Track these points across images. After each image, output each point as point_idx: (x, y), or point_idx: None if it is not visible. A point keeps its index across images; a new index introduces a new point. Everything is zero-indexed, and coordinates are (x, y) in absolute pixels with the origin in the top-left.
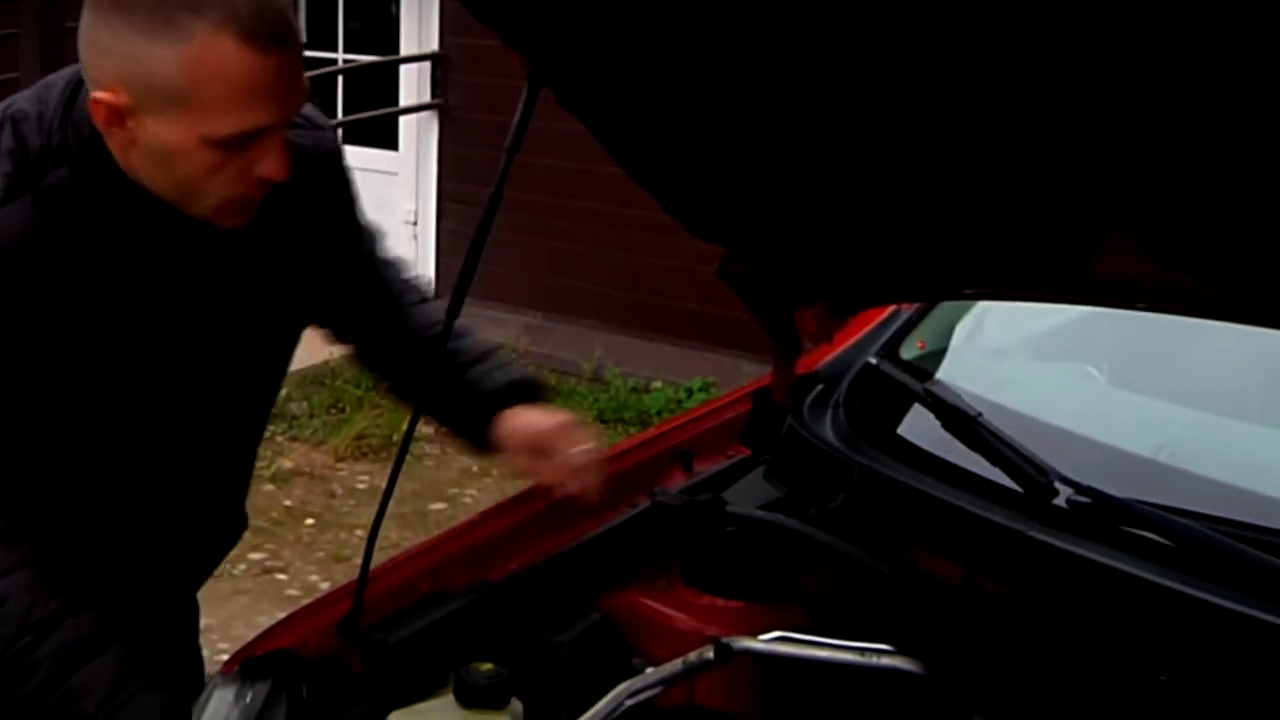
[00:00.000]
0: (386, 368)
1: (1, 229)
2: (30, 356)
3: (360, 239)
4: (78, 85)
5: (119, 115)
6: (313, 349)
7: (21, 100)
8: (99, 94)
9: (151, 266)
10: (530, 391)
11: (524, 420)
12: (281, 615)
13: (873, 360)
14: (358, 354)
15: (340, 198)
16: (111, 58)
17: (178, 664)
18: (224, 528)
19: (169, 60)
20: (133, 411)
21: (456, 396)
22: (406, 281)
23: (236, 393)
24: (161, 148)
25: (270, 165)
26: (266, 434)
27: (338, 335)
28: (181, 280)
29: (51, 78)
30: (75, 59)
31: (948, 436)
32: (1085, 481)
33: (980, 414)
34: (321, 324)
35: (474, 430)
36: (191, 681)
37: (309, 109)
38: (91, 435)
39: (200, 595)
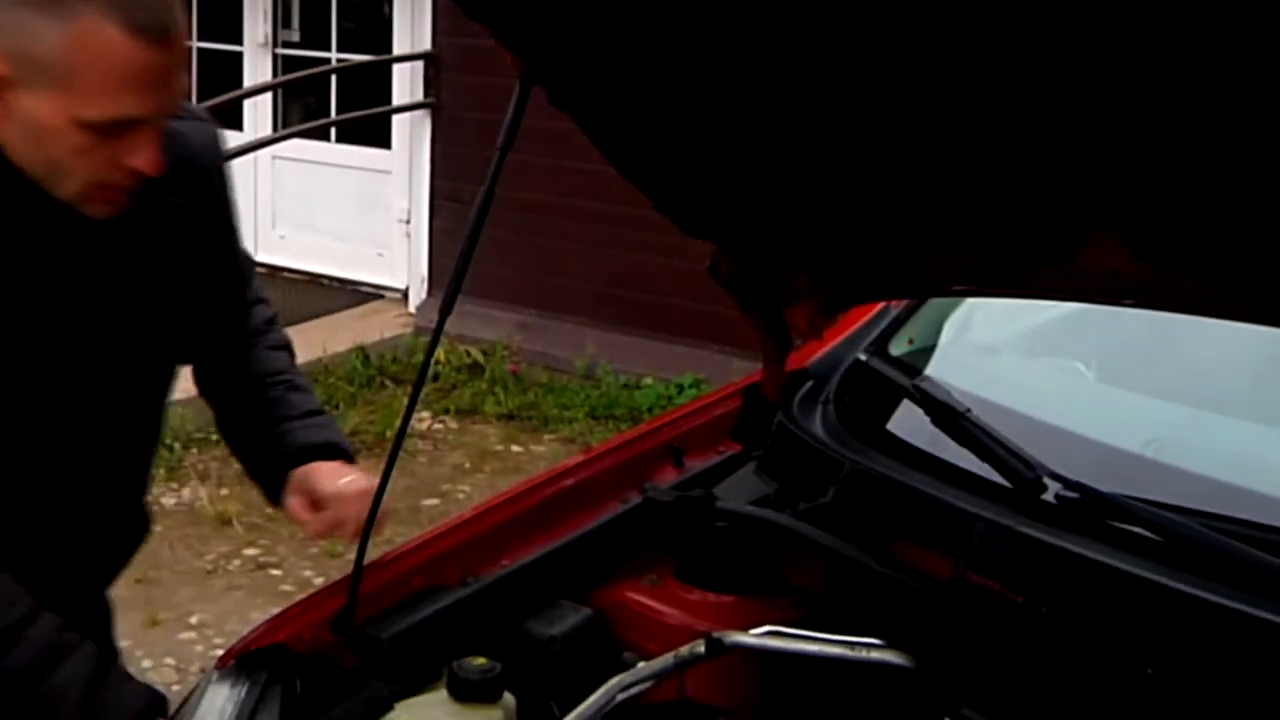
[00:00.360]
0: (218, 401)
1: None
2: None
3: (234, 239)
4: None
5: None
6: (306, 347)
7: None
8: None
9: (30, 254)
10: (334, 453)
11: (312, 474)
12: (275, 610)
13: (862, 357)
14: (195, 378)
15: (218, 190)
16: None
17: None
18: (124, 529)
19: (52, 38)
20: (15, 409)
21: (263, 445)
22: (269, 322)
23: (120, 392)
24: (34, 124)
25: (141, 158)
26: None
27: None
28: (61, 270)
29: None
30: None
31: (937, 432)
32: (1073, 477)
33: (969, 410)
34: (187, 339)
35: (269, 480)
36: None
37: (192, 105)
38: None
39: (195, 591)
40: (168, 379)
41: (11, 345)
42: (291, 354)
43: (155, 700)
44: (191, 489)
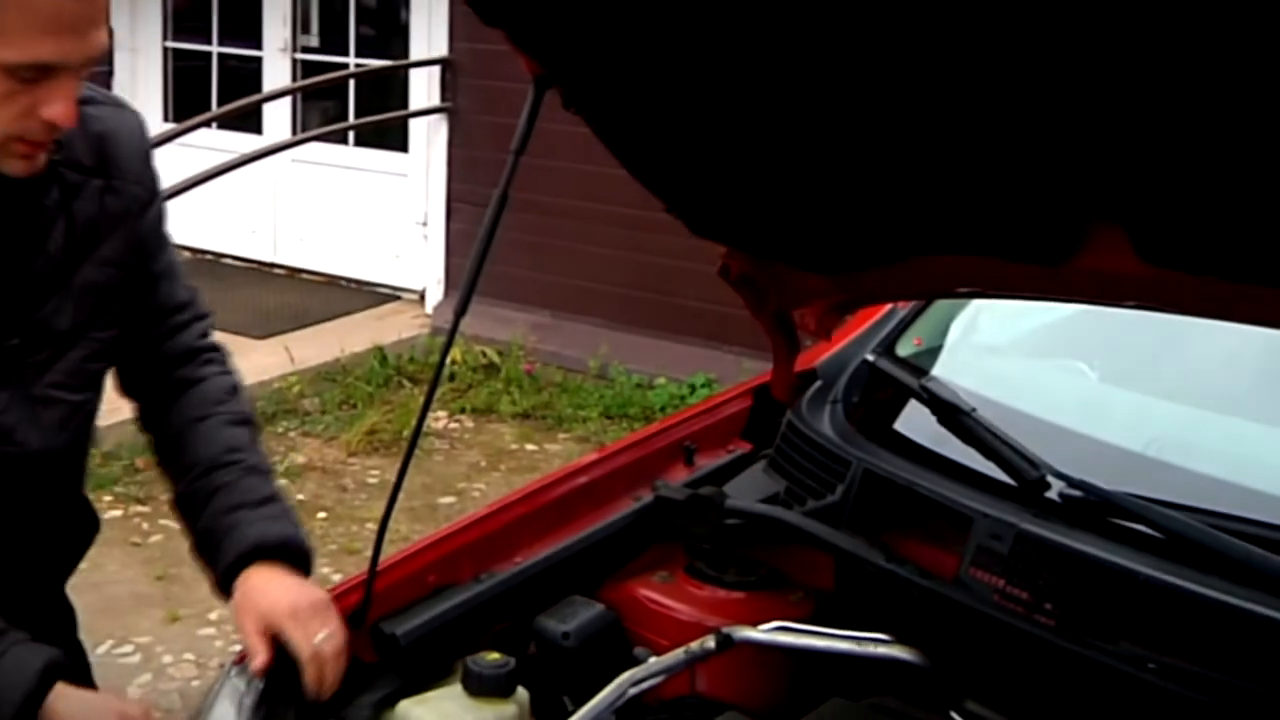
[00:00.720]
0: (171, 471)
1: None
2: None
3: (156, 228)
4: None
5: None
6: (324, 347)
7: None
8: None
9: None
10: (291, 553)
11: (266, 586)
12: None
13: (870, 357)
14: (153, 450)
15: (137, 173)
16: None
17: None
18: (67, 526)
19: None
20: None
21: (214, 530)
22: (231, 392)
23: (42, 376)
24: None
25: (57, 108)
26: (279, 429)
27: (126, 388)
28: None
29: None
30: None
31: (943, 431)
32: (1077, 475)
33: (975, 409)
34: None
35: (217, 569)
36: (79, 677)
37: (113, 94)
38: None
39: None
40: (94, 366)
41: None
42: (254, 427)
43: (54, 659)
44: None
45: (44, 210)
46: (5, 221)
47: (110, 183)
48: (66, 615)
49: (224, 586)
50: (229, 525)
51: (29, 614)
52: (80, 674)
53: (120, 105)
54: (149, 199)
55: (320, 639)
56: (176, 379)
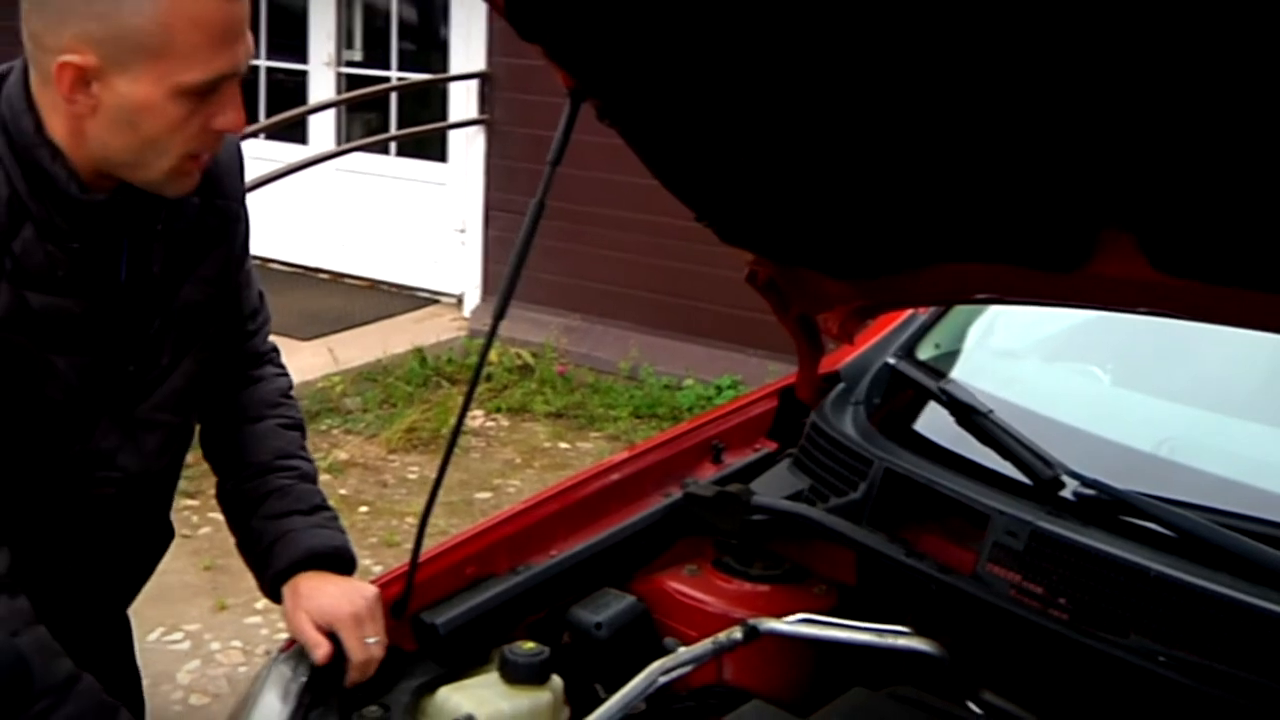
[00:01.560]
0: (223, 468)
1: None
2: None
3: (245, 242)
4: None
5: (84, 80)
6: (367, 348)
7: None
8: (66, 57)
9: (80, 257)
10: (339, 562)
11: (327, 595)
12: None
13: (891, 360)
14: (200, 436)
15: (235, 191)
16: (74, 19)
17: (117, 683)
18: (150, 543)
19: (146, 12)
20: (61, 426)
21: (265, 536)
22: (286, 395)
23: (149, 395)
24: (129, 106)
25: (230, 117)
26: (323, 427)
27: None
28: (110, 271)
29: None
30: None
31: (961, 432)
32: (1090, 475)
33: (992, 411)
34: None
35: (266, 572)
36: (132, 700)
37: None
38: (23, 457)
39: None
40: (196, 384)
41: (50, 350)
42: (303, 432)
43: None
44: None
45: (153, 233)
46: (117, 246)
47: (211, 200)
48: (125, 633)
49: (274, 587)
50: (282, 530)
51: (97, 628)
52: (135, 697)
53: None
54: (241, 214)
55: (372, 642)
56: (236, 378)
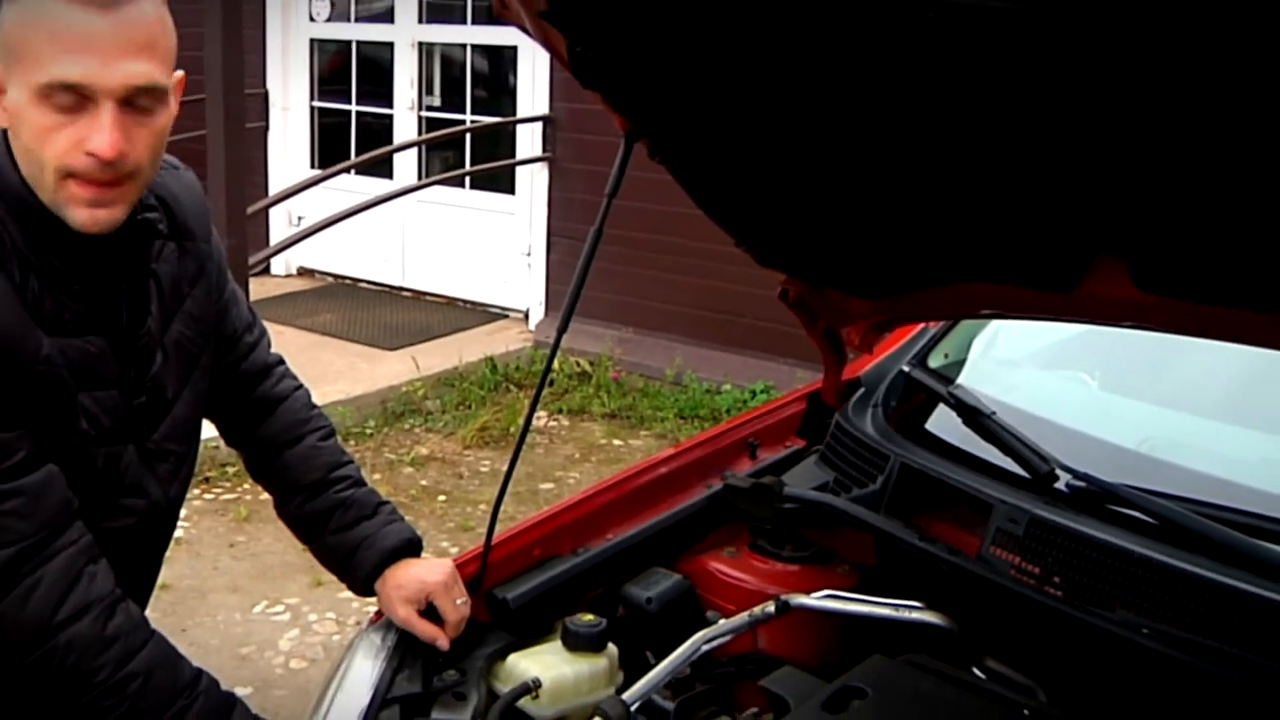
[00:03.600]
0: (279, 489)
1: None
2: (34, 406)
3: (224, 274)
4: None
5: (2, 90)
6: (445, 357)
7: None
8: None
9: (84, 299)
10: (414, 549)
11: (413, 575)
12: None
13: (906, 368)
14: (246, 464)
15: (201, 229)
16: None
17: None
18: (153, 575)
19: (10, 16)
20: (91, 461)
21: (344, 545)
22: (310, 407)
23: (167, 431)
24: (15, 114)
25: (97, 139)
26: (406, 426)
27: (226, 434)
28: (112, 310)
29: None
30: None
31: (968, 431)
32: (1081, 469)
33: (994, 413)
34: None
35: (358, 578)
36: None
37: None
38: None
39: None
40: (199, 413)
41: (78, 388)
42: (334, 433)
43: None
44: None
45: (150, 273)
46: (115, 288)
47: (183, 244)
48: None
49: (366, 588)
50: (358, 539)
51: None
52: None
53: (175, 166)
54: (212, 251)
55: (461, 603)
56: (258, 397)
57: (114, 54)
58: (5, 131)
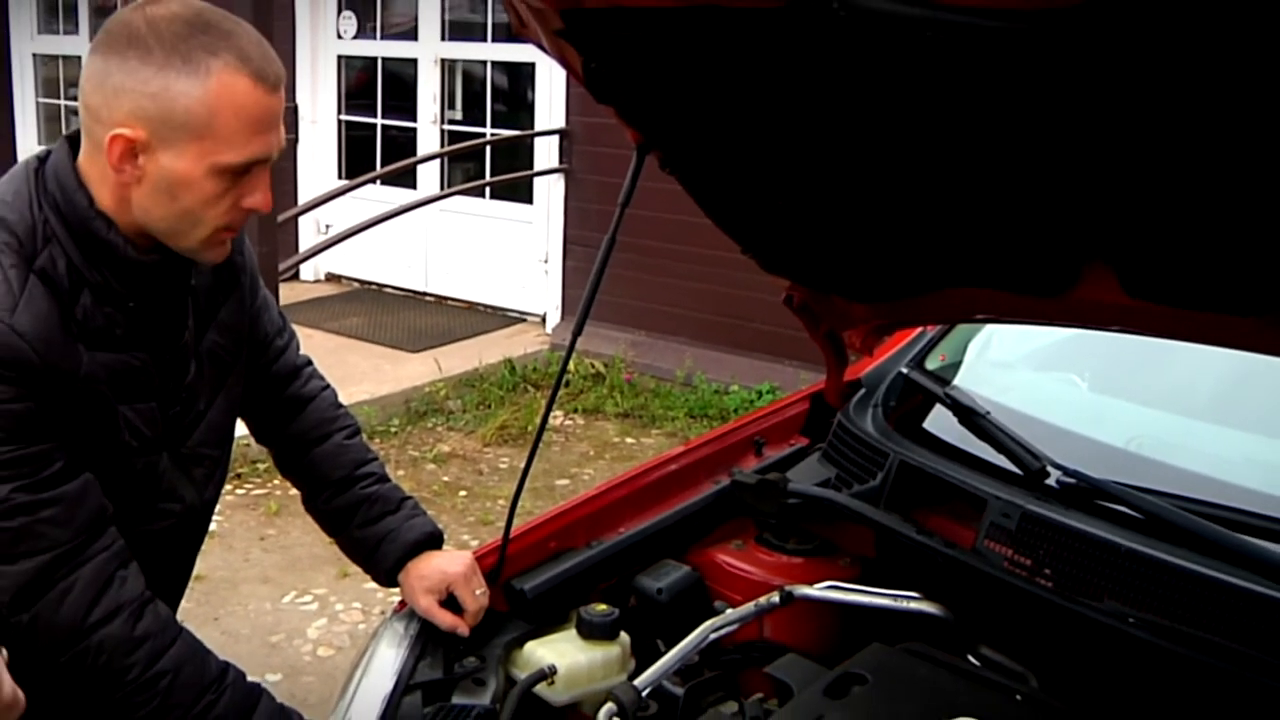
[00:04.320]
0: (307, 485)
1: (36, 313)
2: (77, 418)
3: (256, 283)
4: (38, 169)
5: (133, 152)
6: (466, 359)
7: None
8: (118, 130)
9: (135, 315)
10: (435, 542)
11: (434, 567)
12: None
13: (904, 370)
14: (277, 463)
15: (239, 246)
16: (128, 96)
17: None
18: (187, 572)
19: (193, 94)
20: (132, 468)
21: (369, 538)
22: (336, 406)
23: (201, 437)
24: (170, 179)
25: (258, 197)
26: (429, 425)
27: (256, 432)
28: (159, 325)
29: (6, 177)
30: None
31: (963, 430)
32: (1071, 466)
33: (989, 412)
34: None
35: (382, 569)
36: None
37: None
38: (112, 480)
39: None
40: (231, 418)
41: (120, 401)
42: (359, 431)
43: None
44: None
45: (190, 289)
46: (164, 303)
47: (231, 267)
48: None
49: (390, 579)
50: (382, 533)
51: None
52: None
53: None
54: (245, 263)
55: (480, 593)
56: (288, 398)
57: (278, 128)
58: (74, 158)
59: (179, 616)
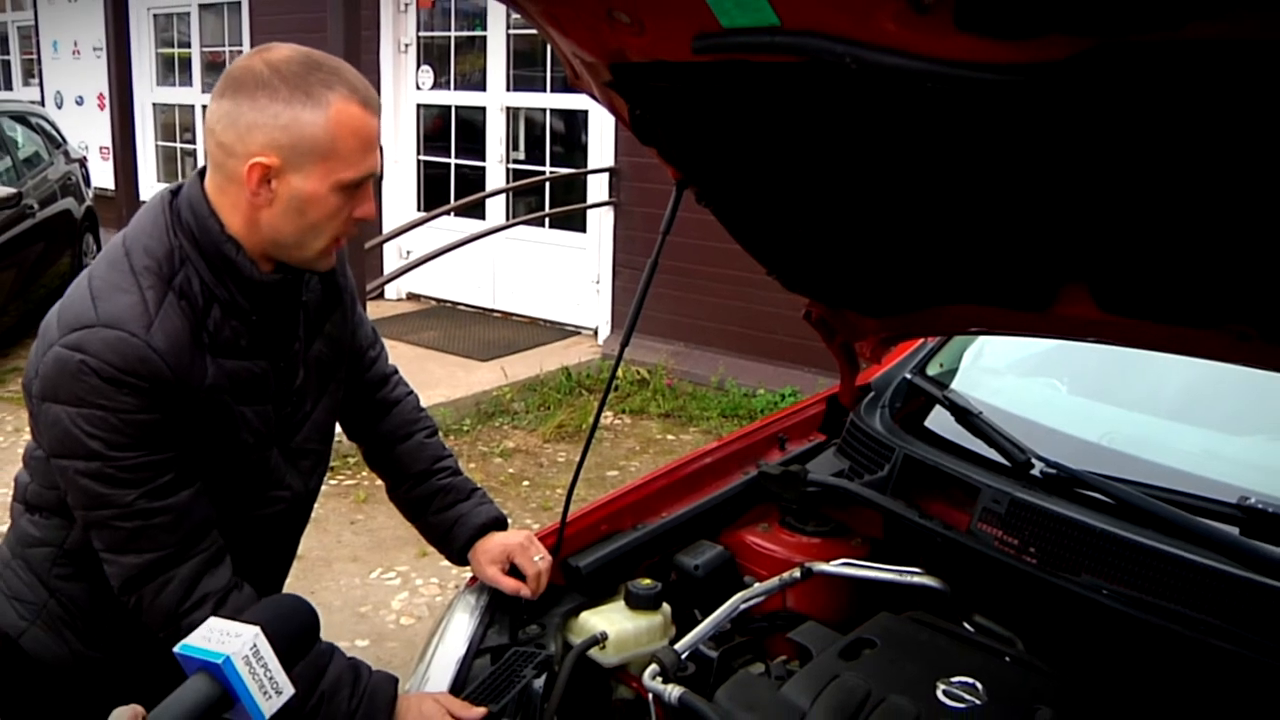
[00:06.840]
0: (391, 477)
1: (169, 331)
2: (195, 424)
3: (355, 299)
4: (171, 201)
5: (267, 177)
6: (528, 367)
7: (128, 232)
8: (255, 159)
9: (256, 328)
10: (500, 525)
11: (496, 542)
12: None
13: (908, 375)
14: (365, 458)
15: (341, 264)
16: (261, 130)
17: None
18: (293, 550)
19: (317, 123)
20: (249, 461)
21: (443, 523)
22: (418, 409)
23: (307, 434)
24: (300, 197)
25: (368, 207)
26: (496, 424)
27: (348, 430)
28: (276, 336)
29: (138, 214)
30: None
31: (959, 428)
32: (1053, 459)
33: (981, 412)
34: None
35: (454, 549)
36: None
37: None
38: (222, 488)
39: None
40: (333, 416)
41: (242, 403)
42: (437, 431)
43: (396, 686)
44: None
45: (302, 305)
46: (281, 316)
47: (324, 276)
48: None
49: (461, 557)
50: (454, 518)
51: None
52: None
53: None
54: (347, 283)
55: (538, 560)
56: (378, 401)
57: (379, 146)
58: (200, 193)
59: (285, 589)
